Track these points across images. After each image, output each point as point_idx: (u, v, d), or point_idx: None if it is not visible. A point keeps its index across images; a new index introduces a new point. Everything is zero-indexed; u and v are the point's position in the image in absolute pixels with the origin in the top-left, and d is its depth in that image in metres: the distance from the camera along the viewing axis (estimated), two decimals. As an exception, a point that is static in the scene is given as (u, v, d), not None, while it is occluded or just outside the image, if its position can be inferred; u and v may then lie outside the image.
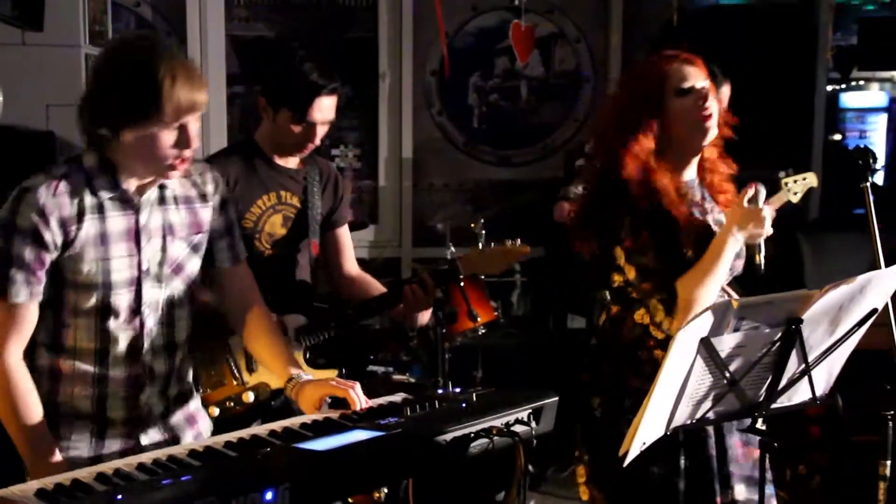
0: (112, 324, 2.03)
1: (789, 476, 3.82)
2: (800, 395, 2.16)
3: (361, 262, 3.25)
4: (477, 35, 5.42)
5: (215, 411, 2.70)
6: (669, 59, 2.47)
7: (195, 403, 2.26)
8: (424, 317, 2.94)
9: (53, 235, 1.94)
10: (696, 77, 2.44)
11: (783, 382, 2.09)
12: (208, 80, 5.21)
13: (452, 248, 4.46)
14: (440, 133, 5.47)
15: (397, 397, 2.17)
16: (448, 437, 1.82)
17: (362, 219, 5.23)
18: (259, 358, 2.35)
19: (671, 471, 2.36)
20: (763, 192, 2.38)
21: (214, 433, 2.78)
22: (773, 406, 2.12)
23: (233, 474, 1.67)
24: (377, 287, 3.02)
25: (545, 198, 5.26)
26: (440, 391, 2.14)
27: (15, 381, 1.96)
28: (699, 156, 2.50)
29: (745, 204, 2.35)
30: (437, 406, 2.00)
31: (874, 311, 2.11)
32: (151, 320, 2.08)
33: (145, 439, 2.10)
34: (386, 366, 4.19)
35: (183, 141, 1.96)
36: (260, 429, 1.94)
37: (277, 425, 1.96)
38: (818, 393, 2.16)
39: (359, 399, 2.05)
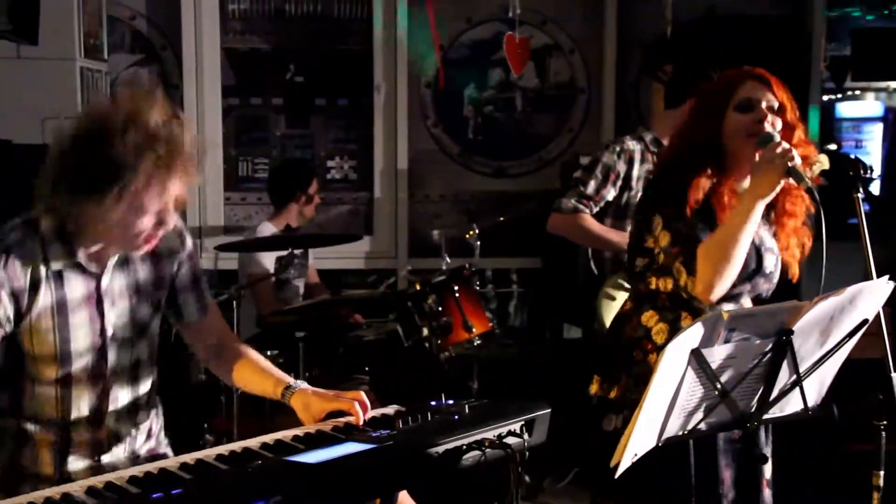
0: (74, 391, 1.96)
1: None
2: (792, 405, 2.16)
3: (357, 274, 3.24)
4: (472, 47, 5.43)
5: None
6: (744, 75, 2.46)
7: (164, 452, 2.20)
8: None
9: (5, 309, 1.86)
10: (758, 92, 2.43)
11: (775, 393, 2.09)
12: (204, 93, 5.23)
13: (448, 259, 4.48)
14: (435, 144, 5.48)
15: (389, 409, 2.16)
16: (440, 449, 1.82)
17: (356, 231, 5.23)
18: (247, 384, 2.23)
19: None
20: (775, 134, 2.36)
21: None
22: (765, 417, 2.12)
23: (224, 487, 1.67)
24: None
25: (541, 209, 5.28)
26: (433, 403, 2.14)
27: None
28: None
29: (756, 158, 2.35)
30: (429, 418, 2.00)
31: (865, 321, 2.11)
32: (117, 385, 2.01)
33: None
34: (380, 377, 4.18)
35: (161, 223, 1.88)
36: (251, 441, 1.94)
37: (269, 437, 1.95)
38: (810, 403, 2.16)
39: (361, 413, 2.01)
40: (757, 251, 2.46)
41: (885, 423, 2.28)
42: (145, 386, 2.08)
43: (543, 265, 5.25)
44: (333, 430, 1.98)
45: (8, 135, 3.90)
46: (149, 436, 2.13)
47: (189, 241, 2.15)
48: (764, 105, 2.43)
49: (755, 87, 2.44)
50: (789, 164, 2.29)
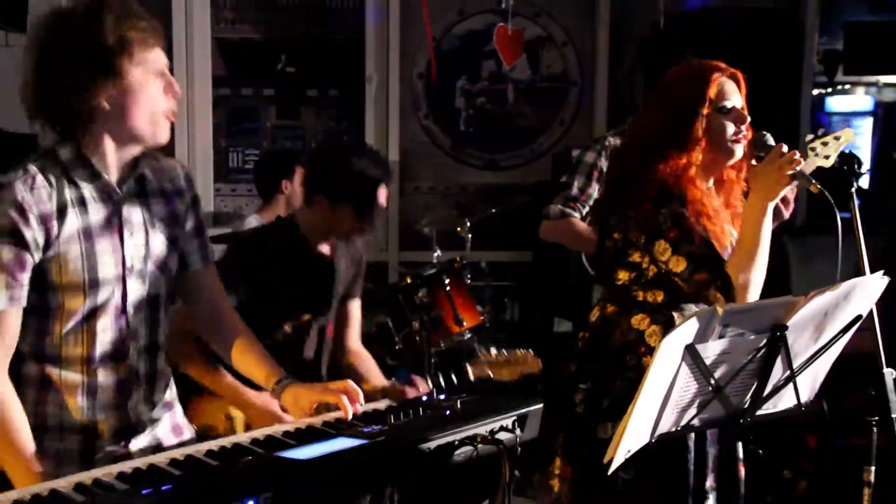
0: (99, 325, 1.93)
1: (773, 481, 3.82)
2: (785, 401, 2.16)
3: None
4: (464, 38, 5.41)
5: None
6: (715, 71, 2.43)
7: (180, 413, 2.19)
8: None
9: (34, 233, 1.83)
10: (735, 96, 2.43)
11: (768, 389, 2.08)
12: (194, 83, 5.22)
13: (438, 252, 4.46)
14: (427, 136, 5.46)
15: (381, 404, 2.16)
16: (432, 444, 1.81)
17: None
18: (237, 363, 2.23)
19: (641, 476, 2.36)
20: (768, 136, 2.38)
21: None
22: (759, 413, 2.12)
23: (214, 483, 1.65)
24: (373, 369, 3.00)
25: (532, 201, 5.26)
26: (425, 398, 2.13)
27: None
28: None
29: (753, 162, 2.37)
30: (421, 413, 1.99)
31: (859, 317, 2.11)
32: (136, 320, 1.98)
33: (135, 449, 2.02)
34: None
35: (169, 85, 1.92)
36: (242, 437, 1.93)
37: (259, 433, 1.94)
38: (803, 399, 2.16)
39: (350, 406, 2.00)
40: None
41: (876, 418, 2.28)
42: (162, 325, 2.06)
43: (534, 258, 5.24)
44: (324, 426, 1.97)
45: (-4, 124, 3.87)
46: (165, 383, 2.11)
47: (195, 188, 2.15)
48: (739, 105, 2.44)
49: (730, 86, 2.43)
50: (797, 167, 2.31)
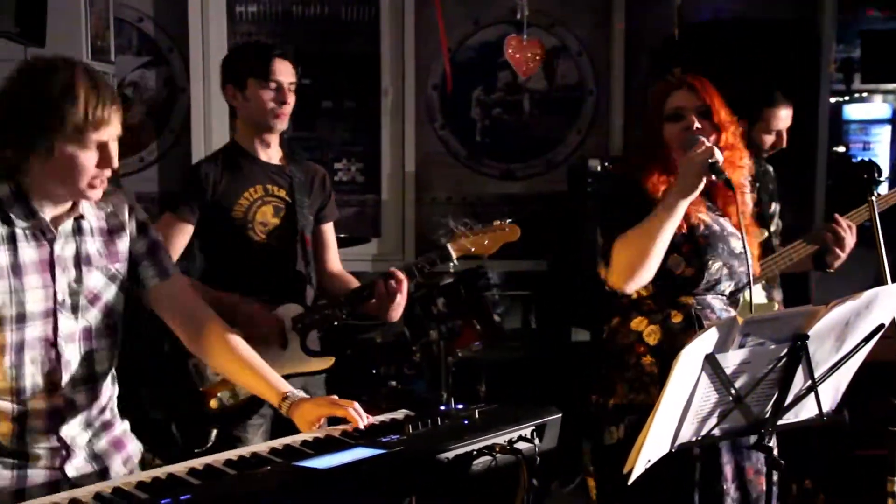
0: (28, 357, 1.95)
1: (795, 491, 3.79)
2: (806, 411, 2.15)
3: (364, 276, 3.26)
4: (479, 49, 5.41)
5: (215, 404, 2.75)
6: (666, 83, 2.58)
7: (121, 427, 2.17)
8: (396, 312, 2.95)
9: None
10: (686, 100, 2.51)
11: (789, 399, 2.07)
12: (210, 95, 5.24)
13: (455, 262, 4.46)
14: (443, 147, 5.46)
15: (399, 414, 2.15)
16: (450, 454, 1.80)
17: (364, 234, 5.21)
18: (237, 380, 2.24)
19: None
20: (697, 137, 2.43)
21: (219, 426, 2.84)
22: (780, 422, 2.11)
23: (233, 493, 1.65)
24: (355, 283, 3.09)
25: (548, 211, 5.26)
26: (443, 407, 2.12)
27: None
28: None
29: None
30: (439, 423, 1.98)
31: (881, 326, 2.09)
32: (69, 352, 2.00)
33: (70, 470, 2.01)
34: (388, 380, 4.18)
35: (105, 159, 1.92)
36: (260, 446, 1.93)
37: (278, 443, 1.94)
38: (825, 409, 2.15)
39: (360, 417, 2.02)
40: (720, 234, 2.52)
41: (899, 428, 2.26)
42: (100, 356, 2.07)
43: (550, 268, 5.23)
44: (343, 436, 1.97)
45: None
46: (102, 408, 2.11)
47: (140, 214, 2.16)
48: (692, 111, 2.50)
49: (683, 95, 2.52)
50: (709, 160, 2.35)
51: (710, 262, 2.48)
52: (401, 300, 2.91)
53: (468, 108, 5.45)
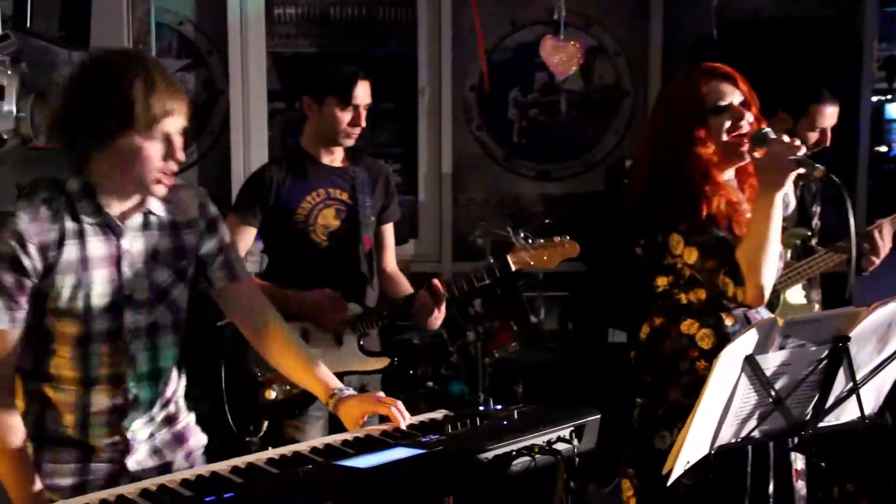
0: (94, 350, 2.00)
1: (837, 494, 3.75)
2: (848, 413, 2.13)
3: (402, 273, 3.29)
4: (516, 50, 5.41)
5: (272, 394, 2.80)
6: (706, 75, 2.49)
7: (185, 421, 2.22)
8: (436, 322, 3.00)
9: (33, 261, 1.92)
10: (732, 94, 2.45)
11: (830, 401, 2.05)
12: (249, 97, 5.28)
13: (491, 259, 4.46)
14: (480, 148, 5.47)
15: (438, 414, 2.16)
16: (490, 454, 1.82)
17: (402, 235, 5.24)
18: (291, 376, 2.28)
19: (701, 483, 2.35)
20: (768, 130, 2.38)
21: (275, 415, 2.90)
22: (821, 425, 2.09)
23: (275, 491, 1.68)
24: (408, 286, 3.16)
25: (585, 212, 5.24)
26: (481, 407, 2.13)
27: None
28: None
29: (757, 155, 2.38)
30: (478, 423, 1.99)
31: (924, 328, 2.07)
32: (134, 347, 2.04)
33: (132, 464, 2.07)
34: (426, 381, 4.20)
35: (170, 151, 1.96)
36: (301, 445, 1.95)
37: (319, 442, 1.96)
38: (867, 412, 2.13)
39: (402, 416, 2.04)
40: None
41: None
42: (166, 352, 2.11)
43: (588, 269, 5.22)
44: (383, 435, 1.99)
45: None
46: (166, 402, 2.15)
47: (212, 211, 2.19)
48: (736, 102, 2.45)
49: (723, 86, 2.46)
50: (798, 154, 2.30)
51: None
52: (438, 314, 2.97)
53: (505, 108, 5.45)
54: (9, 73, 2.70)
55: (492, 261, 2.99)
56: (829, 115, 3.48)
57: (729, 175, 2.52)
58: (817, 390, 2.03)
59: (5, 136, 2.71)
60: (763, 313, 2.48)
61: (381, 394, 2.16)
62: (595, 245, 4.97)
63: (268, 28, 5.32)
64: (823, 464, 2.06)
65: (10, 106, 2.70)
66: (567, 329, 5.37)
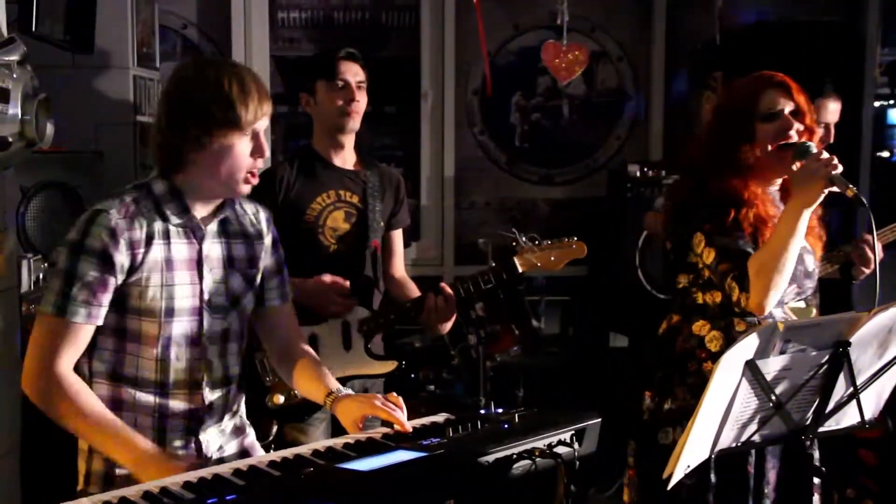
0: (173, 353, 2.03)
1: (837, 500, 3.75)
2: (848, 418, 2.13)
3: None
4: (519, 54, 5.42)
5: (280, 399, 2.81)
6: (761, 82, 2.50)
7: (250, 438, 2.26)
8: (446, 326, 3.01)
9: (122, 257, 1.95)
10: (781, 101, 2.45)
11: (831, 406, 2.06)
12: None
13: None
14: (482, 152, 5.47)
15: (439, 417, 2.17)
16: (490, 458, 1.82)
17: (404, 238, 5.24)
18: (301, 389, 2.31)
19: (701, 485, 2.37)
20: (811, 145, 2.37)
21: (281, 422, 2.93)
22: (821, 430, 2.10)
23: (277, 493, 1.69)
24: (416, 291, 3.15)
25: (587, 217, 5.25)
26: (483, 411, 2.14)
27: (76, 386, 1.95)
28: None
29: (794, 167, 2.37)
30: (479, 427, 2.00)
31: (925, 333, 2.07)
32: (211, 352, 2.08)
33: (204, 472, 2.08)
34: (427, 384, 4.20)
35: (257, 149, 2.02)
36: (303, 448, 1.96)
37: (320, 445, 1.97)
38: (867, 417, 2.13)
39: (403, 420, 2.04)
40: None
41: (944, 437, 2.24)
42: (234, 358, 2.15)
43: (590, 273, 5.22)
44: (384, 438, 1.99)
45: (63, 142, 3.98)
46: (234, 412, 2.19)
47: (273, 230, 2.26)
48: (787, 112, 2.45)
49: (776, 95, 2.47)
50: (833, 172, 2.29)
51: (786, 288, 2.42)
52: (451, 316, 2.96)
53: (508, 112, 5.46)
54: (14, 76, 2.71)
55: (497, 264, 2.99)
56: (833, 110, 3.46)
57: (774, 187, 2.54)
58: (818, 395, 2.04)
59: (10, 139, 2.72)
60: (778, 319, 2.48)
61: (381, 397, 2.17)
62: (597, 249, 5.00)
63: (271, 31, 5.33)
64: (823, 468, 2.06)
65: (16, 109, 2.70)
66: (568, 333, 5.38)
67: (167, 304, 2.01)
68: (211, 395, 2.09)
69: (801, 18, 5.24)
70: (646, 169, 4.85)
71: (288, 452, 1.92)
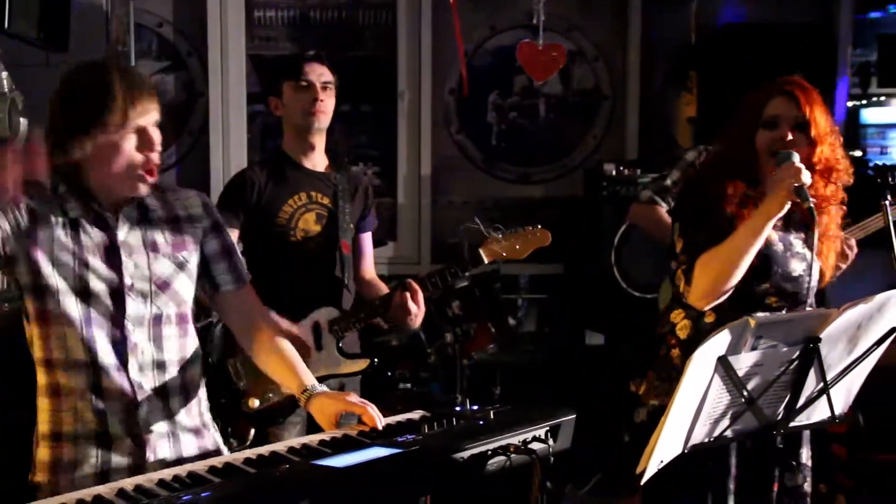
0: (96, 333, 2.03)
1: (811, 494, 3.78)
2: (818, 413, 2.16)
3: (380, 279, 3.30)
4: (495, 53, 5.44)
5: (255, 403, 2.81)
6: (773, 88, 2.51)
7: (212, 439, 2.23)
8: (415, 321, 3.01)
9: (17, 216, 1.98)
10: (784, 109, 2.47)
11: (801, 401, 2.08)
12: (229, 99, 5.30)
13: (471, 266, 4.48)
14: (459, 151, 5.49)
15: (415, 414, 2.18)
16: (465, 454, 1.83)
17: (380, 237, 5.25)
18: (272, 374, 2.30)
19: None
20: (794, 154, 2.39)
21: (257, 426, 2.91)
22: (792, 424, 2.12)
23: (252, 491, 1.69)
24: (386, 291, 3.14)
25: (564, 215, 5.27)
26: (458, 408, 2.15)
27: None
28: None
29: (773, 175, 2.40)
30: (454, 423, 2.01)
31: (893, 330, 2.10)
32: (137, 336, 2.07)
33: (151, 456, 2.08)
34: (404, 382, 4.21)
35: (145, 143, 2.02)
36: (279, 445, 1.96)
37: (296, 442, 1.97)
38: (837, 411, 2.16)
39: (377, 417, 2.05)
40: (780, 255, 2.47)
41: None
42: (169, 345, 2.13)
43: (566, 271, 5.25)
44: (360, 435, 2.00)
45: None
46: (185, 397, 2.17)
47: (216, 214, 2.26)
48: (789, 121, 2.45)
49: (782, 102, 2.47)
50: (795, 183, 2.31)
51: (757, 286, 2.46)
52: (417, 310, 2.95)
53: (484, 112, 5.48)
54: (-14, 73, 2.69)
55: (462, 255, 3.01)
56: None
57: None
58: (789, 390, 2.06)
59: (-18, 137, 2.70)
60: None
61: (355, 394, 2.18)
62: (573, 248, 5.03)
63: (247, 30, 5.32)
64: (793, 462, 2.09)
65: (-12, 107, 2.69)
66: (544, 331, 5.40)
67: (81, 284, 2.02)
68: (140, 379, 2.07)
69: (774, 20, 5.28)
70: (622, 168, 4.88)
71: (264, 449, 1.92)
